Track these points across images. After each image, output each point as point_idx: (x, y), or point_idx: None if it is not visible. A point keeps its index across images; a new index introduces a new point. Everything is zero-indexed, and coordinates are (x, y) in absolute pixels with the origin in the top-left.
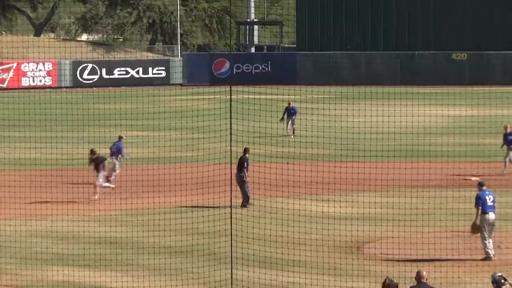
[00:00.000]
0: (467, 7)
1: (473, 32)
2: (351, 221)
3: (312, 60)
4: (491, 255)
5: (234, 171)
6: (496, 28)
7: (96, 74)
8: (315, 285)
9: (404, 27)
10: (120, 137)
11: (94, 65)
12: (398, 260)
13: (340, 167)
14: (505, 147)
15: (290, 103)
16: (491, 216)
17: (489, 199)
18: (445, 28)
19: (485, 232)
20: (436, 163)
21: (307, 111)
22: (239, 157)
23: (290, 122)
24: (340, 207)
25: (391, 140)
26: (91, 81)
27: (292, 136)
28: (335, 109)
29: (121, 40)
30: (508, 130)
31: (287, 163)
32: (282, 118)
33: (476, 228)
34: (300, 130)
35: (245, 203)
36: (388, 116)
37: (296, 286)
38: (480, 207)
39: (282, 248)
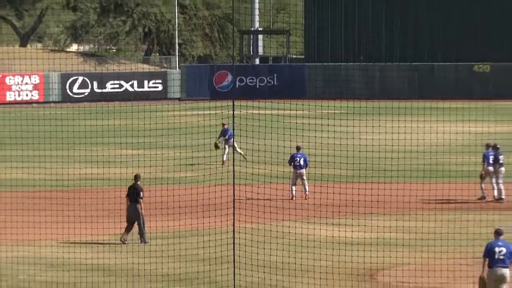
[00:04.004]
0: (491, 15)
1: (497, 42)
2: (364, 247)
3: (322, 72)
4: None
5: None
6: None
7: (87, 87)
8: None
9: (423, 36)
10: None
11: (84, 78)
12: None
13: (352, 188)
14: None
15: (224, 125)
16: (497, 272)
17: (500, 252)
18: (467, 38)
19: None
20: (456, 183)
21: (316, 127)
22: (128, 185)
23: (228, 147)
24: (352, 231)
25: (407, 159)
26: (82, 96)
27: (245, 156)
28: (347, 126)
29: (114, 50)
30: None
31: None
32: (218, 145)
33: (482, 284)
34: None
35: (144, 238)
36: (405, 133)
37: None
38: (487, 259)
39: (289, 276)
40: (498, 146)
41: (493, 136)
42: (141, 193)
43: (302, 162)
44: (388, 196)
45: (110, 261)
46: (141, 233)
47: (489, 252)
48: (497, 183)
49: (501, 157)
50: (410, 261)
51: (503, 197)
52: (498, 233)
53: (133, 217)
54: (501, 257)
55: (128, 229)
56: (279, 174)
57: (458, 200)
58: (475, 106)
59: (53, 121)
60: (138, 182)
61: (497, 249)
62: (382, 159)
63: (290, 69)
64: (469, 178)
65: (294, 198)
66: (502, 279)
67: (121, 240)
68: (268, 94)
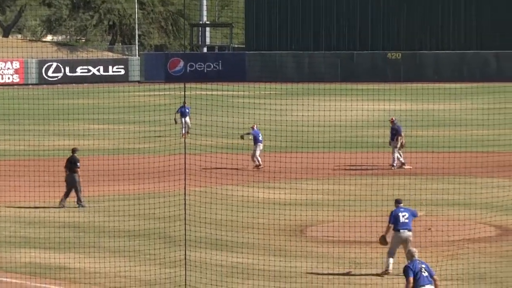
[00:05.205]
0: (402, 11)
1: (407, 34)
2: (295, 207)
3: (260, 59)
4: (389, 270)
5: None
6: (428, 30)
7: (60, 72)
8: (262, 265)
9: (344, 29)
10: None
11: (58, 64)
12: (338, 242)
13: (285, 157)
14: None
15: (185, 104)
16: (403, 234)
17: (403, 217)
18: (381, 30)
19: (394, 248)
20: (373, 153)
21: (255, 106)
22: (67, 157)
23: (184, 123)
24: (285, 193)
25: (332, 132)
26: (56, 79)
27: (187, 135)
28: (281, 104)
29: (84, 40)
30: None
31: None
32: (175, 120)
33: (383, 241)
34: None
35: (81, 202)
36: (330, 110)
37: (244, 266)
38: (392, 225)
39: (231, 231)
40: (396, 121)
41: (403, 113)
42: (78, 163)
43: (261, 138)
44: (315, 163)
45: (80, 219)
46: (78, 198)
47: (394, 218)
48: (393, 152)
49: (400, 130)
50: (334, 218)
51: (394, 164)
52: (398, 201)
53: (70, 184)
54: (406, 220)
55: (66, 195)
56: (224, 145)
57: (374, 167)
58: (388, 88)
59: (31, 100)
60: (75, 154)
61: (400, 214)
62: (311, 132)
63: (233, 56)
64: (384, 148)
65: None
66: (406, 240)
67: (60, 205)
68: (214, 78)
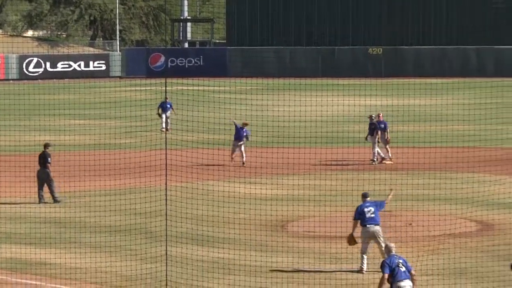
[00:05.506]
0: (383, 6)
1: (388, 29)
2: (276, 202)
3: (241, 54)
4: (363, 269)
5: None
6: (409, 26)
7: (41, 67)
8: (243, 260)
9: (325, 24)
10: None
11: (39, 59)
12: (319, 237)
13: (266, 152)
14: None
15: (167, 99)
16: (370, 228)
17: (369, 212)
18: (363, 25)
19: (364, 244)
20: (354, 148)
21: (236, 101)
22: (40, 152)
23: (165, 118)
24: (266, 189)
25: (313, 127)
26: (36, 74)
27: (167, 131)
28: (262, 100)
29: (65, 36)
30: (381, 119)
31: (218, 149)
32: (158, 114)
33: (351, 240)
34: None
35: (56, 197)
36: (311, 105)
37: (225, 261)
38: (359, 220)
39: (213, 226)
40: (374, 117)
41: (385, 108)
42: (49, 159)
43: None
44: (297, 159)
45: (60, 215)
46: (52, 194)
47: (360, 214)
48: (373, 147)
49: (387, 125)
50: (315, 213)
51: (375, 159)
52: (364, 196)
53: (43, 179)
54: (372, 215)
55: (40, 188)
56: (205, 140)
57: (355, 162)
58: (369, 83)
59: (12, 95)
60: (47, 150)
61: (366, 210)
62: (292, 128)
63: (214, 51)
64: (365, 144)
65: (233, 161)
66: (375, 234)
67: (40, 201)
68: (195, 73)
